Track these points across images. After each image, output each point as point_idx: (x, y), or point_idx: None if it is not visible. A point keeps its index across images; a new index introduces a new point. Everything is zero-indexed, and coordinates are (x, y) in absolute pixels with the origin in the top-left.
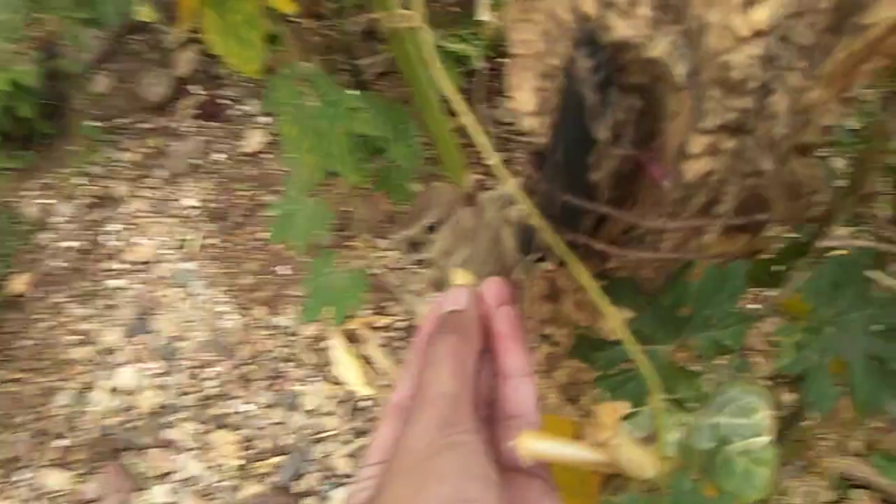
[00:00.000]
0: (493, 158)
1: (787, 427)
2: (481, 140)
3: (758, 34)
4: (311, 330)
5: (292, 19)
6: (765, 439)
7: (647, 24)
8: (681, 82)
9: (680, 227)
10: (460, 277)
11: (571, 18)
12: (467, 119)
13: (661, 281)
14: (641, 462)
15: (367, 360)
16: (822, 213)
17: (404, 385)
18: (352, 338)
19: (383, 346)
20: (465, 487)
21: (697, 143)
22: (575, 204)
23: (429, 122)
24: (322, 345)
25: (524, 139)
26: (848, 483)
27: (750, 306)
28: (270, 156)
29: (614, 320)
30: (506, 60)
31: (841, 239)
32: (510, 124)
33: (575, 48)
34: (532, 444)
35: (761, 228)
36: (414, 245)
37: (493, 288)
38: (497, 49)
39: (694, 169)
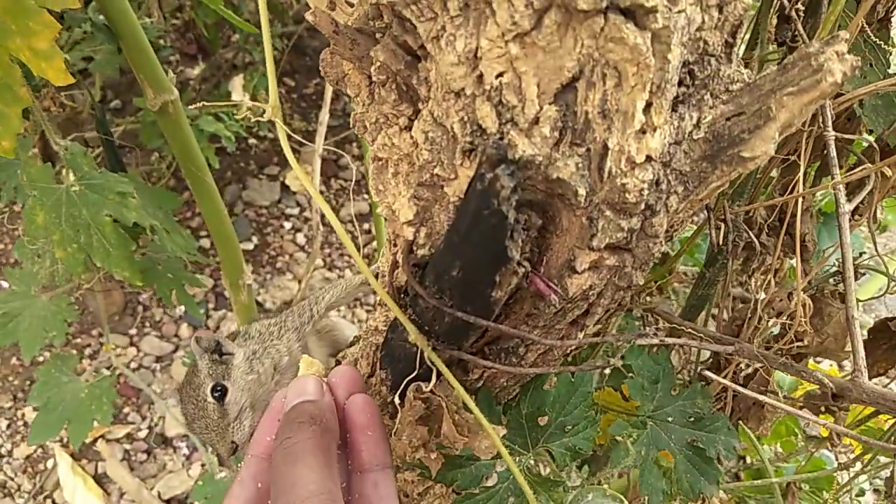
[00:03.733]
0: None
1: None
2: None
3: (650, 160)
4: (25, 448)
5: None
6: None
7: (548, 143)
8: (580, 203)
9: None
10: (306, 366)
11: (462, 130)
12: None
13: (515, 391)
14: None
15: (98, 480)
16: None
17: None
18: (82, 454)
19: (122, 460)
20: None
21: (585, 260)
22: (464, 319)
23: (204, 212)
24: (42, 466)
25: (401, 246)
26: None
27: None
28: None
29: (494, 436)
30: (257, 142)
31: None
32: (266, 207)
33: (492, 166)
34: None
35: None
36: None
37: (342, 375)
38: (250, 130)
39: (577, 284)
